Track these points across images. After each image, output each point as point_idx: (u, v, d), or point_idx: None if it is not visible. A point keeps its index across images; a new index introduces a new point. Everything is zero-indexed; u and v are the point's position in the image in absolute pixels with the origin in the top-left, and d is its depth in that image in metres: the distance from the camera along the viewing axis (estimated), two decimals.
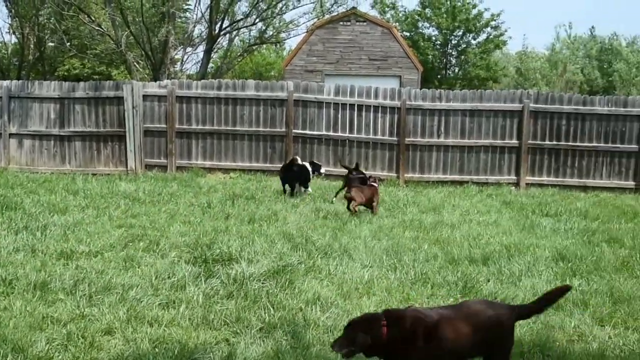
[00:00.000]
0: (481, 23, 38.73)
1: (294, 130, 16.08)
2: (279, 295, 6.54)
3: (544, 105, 15.81)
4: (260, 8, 22.53)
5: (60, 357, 4.98)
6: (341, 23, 28.55)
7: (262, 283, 6.89)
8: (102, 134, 16.29)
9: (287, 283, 6.90)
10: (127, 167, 16.02)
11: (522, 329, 5.83)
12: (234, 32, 24.25)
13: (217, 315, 5.94)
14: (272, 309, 6.14)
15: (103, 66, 36.20)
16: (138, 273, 7.12)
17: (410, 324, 4.35)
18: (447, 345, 4.33)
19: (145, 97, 16.23)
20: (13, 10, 29.93)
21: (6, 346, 5.03)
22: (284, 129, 16.11)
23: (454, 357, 4.42)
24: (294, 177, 13.20)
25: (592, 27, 60.09)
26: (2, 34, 49.98)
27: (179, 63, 25.40)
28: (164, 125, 16.21)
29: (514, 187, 15.51)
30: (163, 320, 5.76)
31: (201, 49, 24.28)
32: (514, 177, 15.85)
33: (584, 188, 15.65)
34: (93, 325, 5.58)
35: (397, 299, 6.61)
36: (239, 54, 26.84)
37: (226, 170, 16.13)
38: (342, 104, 16.14)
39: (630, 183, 15.79)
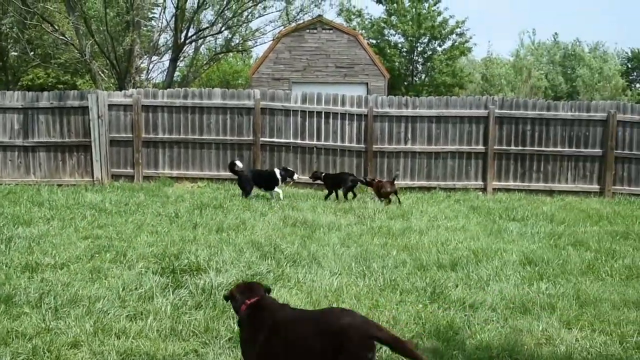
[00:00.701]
0: (446, 30, 39.15)
1: (261, 139, 16.06)
2: None
3: (509, 111, 16.02)
4: (226, 16, 22.46)
5: None
6: (307, 31, 28.64)
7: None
8: (67, 144, 16.08)
9: None
10: (93, 177, 15.82)
11: (491, 333, 5.89)
12: (200, 41, 24.14)
13: (185, 326, 5.89)
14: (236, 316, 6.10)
15: (68, 75, 35.77)
16: (105, 285, 7.03)
17: (262, 313, 4.49)
18: (283, 344, 4.29)
19: (110, 106, 16.07)
20: None
21: None
22: (251, 137, 16.08)
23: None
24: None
25: (556, 33, 61.18)
26: None
27: (144, 72, 25.19)
28: (130, 135, 16.07)
29: (481, 192, 15.67)
30: (131, 332, 5.69)
31: (167, 57, 24.13)
32: (481, 183, 16.02)
33: (550, 192, 15.88)
34: (59, 338, 5.50)
35: (366, 305, 6.63)
36: (205, 62, 26.72)
37: (194, 179, 16.04)
38: (309, 111, 16.16)
39: (595, 186, 16.05)
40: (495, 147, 15.96)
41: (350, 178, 14.17)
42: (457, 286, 7.35)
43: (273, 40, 27.58)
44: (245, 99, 16.16)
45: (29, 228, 9.81)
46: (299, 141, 16.13)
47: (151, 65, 23.49)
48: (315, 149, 16.14)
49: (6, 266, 7.68)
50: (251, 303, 4.58)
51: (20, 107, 16.20)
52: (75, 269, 7.70)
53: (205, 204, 12.34)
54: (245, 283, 4.96)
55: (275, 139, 16.12)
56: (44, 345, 5.32)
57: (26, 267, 7.64)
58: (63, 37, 22.19)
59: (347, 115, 16.13)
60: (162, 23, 23.45)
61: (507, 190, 15.94)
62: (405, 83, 40.60)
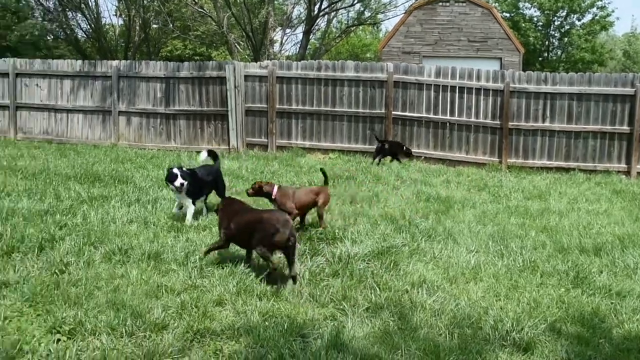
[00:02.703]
0: (586, 3, 37.16)
1: (393, 112, 15.94)
2: (384, 276, 6.53)
3: None
4: None
5: (175, 324, 5.13)
6: (440, 4, 28.10)
7: (367, 263, 6.89)
8: (205, 113, 16.69)
9: (391, 264, 6.88)
10: (229, 145, 16.35)
11: None
12: (333, 13, 24.19)
13: (323, 292, 5.97)
14: (378, 289, 6.13)
15: (204, 47, 37.07)
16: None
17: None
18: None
19: (246, 77, 16.50)
20: None
21: (125, 311, 5.23)
22: (383, 111, 16.00)
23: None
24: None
25: None
26: (110, 16, 52.01)
27: (277, 44, 25.65)
28: (265, 105, 16.43)
29: (624, 176, 14.80)
30: (271, 295, 5.85)
31: (299, 30, 24.41)
32: (624, 165, 15.12)
33: None
34: (205, 295, 5.73)
35: (505, 285, 6.47)
36: (337, 35, 26.80)
37: (325, 151, 16.20)
38: (442, 85, 15.85)
39: None
40: None
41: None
42: (601, 272, 7.02)
43: (405, 13, 27.23)
44: (378, 72, 16.08)
45: None
46: (431, 116, 15.88)
47: (284, 38, 23.84)
48: (448, 124, 15.83)
49: (154, 225, 8.08)
50: None
51: (163, 76, 16.96)
52: (216, 231, 7.96)
53: (338, 175, 12.43)
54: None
55: (407, 113, 15.96)
56: (191, 300, 5.56)
57: (171, 227, 8.01)
58: (202, 10, 22.92)
59: (482, 91, 15.68)
60: None
61: None
62: (540, 59, 39.07)
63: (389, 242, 7.63)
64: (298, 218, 8.21)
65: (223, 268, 6.43)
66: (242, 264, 6.50)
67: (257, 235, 6.28)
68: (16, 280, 5.93)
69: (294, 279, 6.23)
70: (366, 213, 9.21)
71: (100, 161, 13.59)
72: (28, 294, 5.59)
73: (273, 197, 8.02)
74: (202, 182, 8.83)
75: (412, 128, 16.02)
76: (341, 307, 5.70)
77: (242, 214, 6.68)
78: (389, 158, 15.02)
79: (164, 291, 5.81)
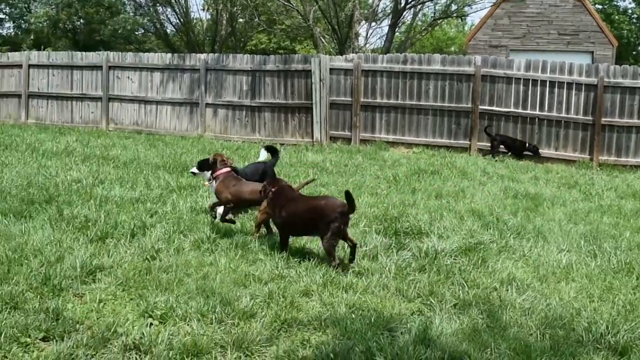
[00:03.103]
0: None
1: (480, 107, 15.61)
2: (472, 273, 6.39)
3: None
4: None
5: (263, 313, 5.18)
6: None
7: (454, 259, 6.77)
8: (290, 106, 16.82)
9: (479, 261, 6.73)
10: (312, 138, 16.44)
11: None
12: (419, 6, 23.92)
13: (410, 287, 5.90)
14: (465, 285, 6.00)
15: (287, 41, 37.39)
16: None
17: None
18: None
19: (331, 70, 16.51)
20: None
21: (215, 298, 5.32)
22: (469, 105, 15.69)
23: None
24: None
25: None
26: (198, 11, 53.22)
27: (361, 37, 25.58)
28: (349, 99, 16.40)
29: None
30: (358, 288, 5.83)
31: (385, 23, 24.27)
32: None
33: None
34: (292, 286, 5.76)
35: (598, 286, 6.22)
36: (423, 28, 26.50)
37: (409, 145, 16.03)
38: (532, 80, 15.40)
39: None
40: None
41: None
42: None
43: (492, 5, 26.63)
44: (465, 66, 15.78)
45: None
46: (519, 110, 15.46)
47: (370, 31, 23.76)
48: (537, 119, 15.38)
49: (240, 215, 8.21)
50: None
51: (249, 69, 17.20)
52: None
53: (422, 170, 12.29)
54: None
55: (494, 108, 15.59)
56: (278, 290, 5.60)
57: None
58: (289, 4, 23.10)
59: (573, 85, 15.15)
60: None
61: None
62: (634, 52, 37.48)
63: (477, 239, 7.46)
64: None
65: (309, 259, 6.45)
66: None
67: (320, 225, 6.35)
68: (110, 265, 6.14)
69: (354, 247, 6.50)
70: (452, 208, 9.06)
71: (188, 152, 13.91)
72: (121, 278, 5.77)
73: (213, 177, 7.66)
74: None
75: (499, 123, 15.64)
76: (428, 302, 5.61)
77: (296, 202, 6.70)
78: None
79: (251, 280, 5.88)
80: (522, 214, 9.00)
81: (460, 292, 5.87)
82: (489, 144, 15.22)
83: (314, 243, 7.01)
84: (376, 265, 6.44)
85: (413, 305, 5.58)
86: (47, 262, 6.05)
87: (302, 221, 6.54)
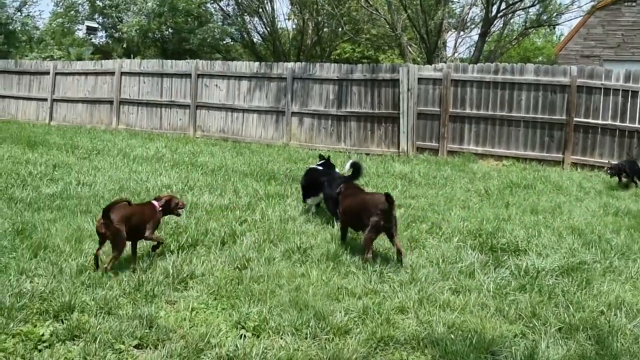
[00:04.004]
0: None
1: (575, 119, 14.97)
2: (576, 294, 6.00)
3: None
4: None
5: (358, 329, 4.99)
6: (625, 4, 26.32)
7: (555, 279, 6.39)
8: (376, 115, 16.63)
9: (583, 282, 6.32)
10: (398, 148, 16.17)
11: None
12: (510, 15, 23.29)
13: (510, 307, 5.59)
14: (571, 308, 5.63)
15: (372, 50, 37.19)
16: (424, 254, 7.02)
17: None
18: None
19: (420, 80, 16.23)
20: None
21: (308, 312, 5.17)
22: (564, 117, 15.06)
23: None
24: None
25: None
26: (284, 20, 53.81)
27: (448, 47, 25.17)
28: (437, 109, 16.06)
29: None
30: (455, 306, 5.56)
31: (474, 32, 23.78)
32: None
33: None
34: (387, 302, 5.55)
35: None
36: (513, 37, 25.82)
37: (499, 157, 15.53)
38: (632, 91, 14.64)
39: None
40: None
41: None
42: None
43: (585, 14, 25.68)
44: (560, 76, 15.16)
45: None
46: (617, 123, 14.70)
47: (459, 40, 23.31)
48: (636, 133, 14.60)
49: (331, 225, 8.05)
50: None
51: (336, 78, 17.12)
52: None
53: (515, 183, 11.84)
54: None
55: (590, 120, 14.89)
56: (373, 306, 5.40)
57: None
58: (376, 12, 22.95)
59: None
60: None
61: None
62: None
63: (578, 258, 7.05)
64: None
65: (403, 274, 6.23)
66: (422, 271, 6.28)
67: (363, 218, 6.72)
68: (201, 273, 6.09)
69: (400, 253, 6.61)
70: (550, 225, 8.64)
71: (274, 160, 13.91)
72: (213, 287, 5.71)
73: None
74: (317, 184, 8.64)
75: (594, 136, 14.93)
76: (531, 325, 5.29)
77: (352, 197, 7.22)
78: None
79: (344, 294, 5.70)
80: (626, 233, 8.47)
81: (565, 314, 5.51)
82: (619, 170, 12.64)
83: (407, 257, 6.78)
84: (473, 283, 6.14)
85: (515, 327, 5.26)
86: (139, 267, 6.07)
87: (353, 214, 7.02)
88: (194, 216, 8.11)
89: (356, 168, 8.57)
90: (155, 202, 6.54)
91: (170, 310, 5.29)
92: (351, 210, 7.05)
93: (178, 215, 6.82)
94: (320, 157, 9.69)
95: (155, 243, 6.50)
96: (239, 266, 6.35)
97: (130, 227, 6.06)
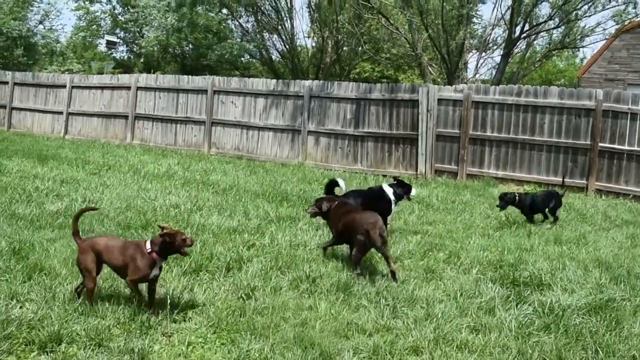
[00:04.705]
0: None
1: (600, 144, 14.46)
2: (605, 336, 5.54)
3: None
4: (564, 9, 20.80)
5: None
6: None
7: (582, 318, 5.93)
8: (394, 136, 16.24)
9: (613, 322, 5.85)
10: (416, 170, 15.76)
11: None
12: (533, 36, 22.85)
13: (534, 349, 5.15)
14: (600, 353, 5.18)
15: (391, 70, 36.87)
16: (441, 287, 6.60)
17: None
18: None
19: (440, 100, 15.82)
20: (315, 15, 31.65)
21: (314, 351, 4.78)
22: (588, 142, 14.55)
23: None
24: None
25: None
26: (303, 38, 53.80)
27: (469, 68, 24.79)
28: (457, 131, 15.63)
29: None
30: (474, 347, 5.13)
31: (496, 53, 23.36)
32: None
33: None
34: (400, 341, 5.13)
35: None
36: (537, 59, 25.36)
37: (519, 182, 15.04)
38: None
39: None
40: None
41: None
42: None
43: (609, 37, 25.17)
44: (585, 99, 14.67)
45: None
46: None
47: (480, 61, 22.90)
48: None
49: (342, 251, 7.65)
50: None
51: (354, 97, 16.78)
52: (408, 265, 7.40)
53: None
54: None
55: (616, 145, 14.35)
56: (384, 345, 5.00)
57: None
58: (397, 31, 22.65)
59: None
60: (495, 17, 22.75)
61: None
62: None
63: (606, 295, 6.58)
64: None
65: (417, 309, 5.81)
66: (438, 306, 5.85)
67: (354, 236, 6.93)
68: (202, 302, 5.72)
69: (394, 274, 6.66)
70: (575, 257, 8.17)
71: (288, 180, 13.55)
72: (213, 319, 5.35)
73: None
74: None
75: (620, 162, 14.38)
76: None
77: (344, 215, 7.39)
78: None
79: (354, 330, 5.29)
80: None
81: (594, 359, 5.06)
82: None
83: (422, 290, 6.36)
84: (494, 321, 5.69)
85: None
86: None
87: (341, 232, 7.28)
88: (200, 239, 7.74)
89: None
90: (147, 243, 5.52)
91: (165, 344, 4.92)
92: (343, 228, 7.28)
93: (183, 254, 5.60)
94: (394, 178, 9.22)
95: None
96: (243, 295, 5.97)
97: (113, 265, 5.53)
